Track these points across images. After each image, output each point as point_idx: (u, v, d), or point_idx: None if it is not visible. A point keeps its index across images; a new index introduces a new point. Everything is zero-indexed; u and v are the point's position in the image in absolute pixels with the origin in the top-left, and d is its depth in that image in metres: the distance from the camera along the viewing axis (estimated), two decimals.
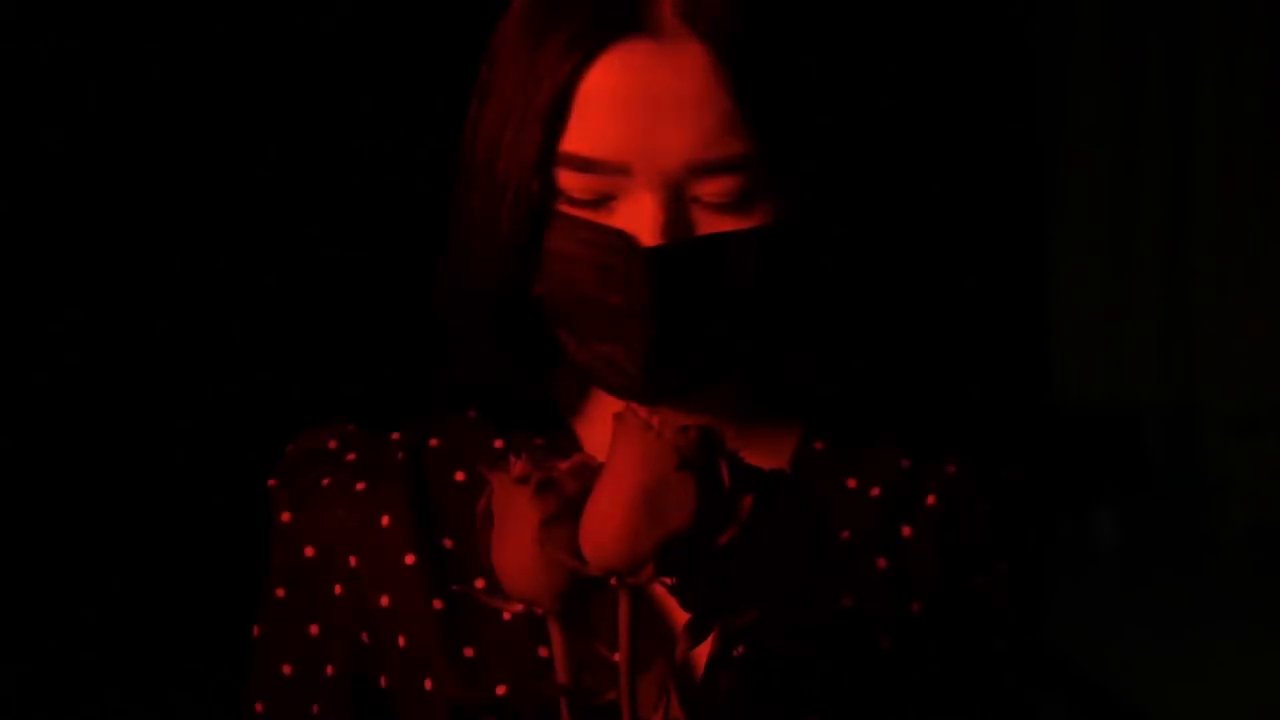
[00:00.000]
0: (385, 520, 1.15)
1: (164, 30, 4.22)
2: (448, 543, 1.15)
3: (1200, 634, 4.70)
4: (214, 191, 4.33)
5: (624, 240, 1.06)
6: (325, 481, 1.17)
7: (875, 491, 1.16)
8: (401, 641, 1.13)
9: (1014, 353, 5.08)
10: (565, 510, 0.96)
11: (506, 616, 1.10)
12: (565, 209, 1.08)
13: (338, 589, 1.16)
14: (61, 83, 4.16)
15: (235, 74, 4.29)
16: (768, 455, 1.15)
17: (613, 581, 0.95)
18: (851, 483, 1.16)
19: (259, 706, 1.18)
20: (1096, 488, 5.59)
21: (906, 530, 1.15)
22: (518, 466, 0.97)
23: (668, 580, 0.95)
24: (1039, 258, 5.34)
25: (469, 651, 1.12)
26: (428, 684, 1.12)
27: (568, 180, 1.07)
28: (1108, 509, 5.63)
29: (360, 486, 1.17)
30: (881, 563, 1.13)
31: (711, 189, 1.05)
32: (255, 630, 1.19)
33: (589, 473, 0.97)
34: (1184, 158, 5.55)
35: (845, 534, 1.14)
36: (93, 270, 4.24)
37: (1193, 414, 5.79)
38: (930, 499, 1.16)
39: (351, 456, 1.18)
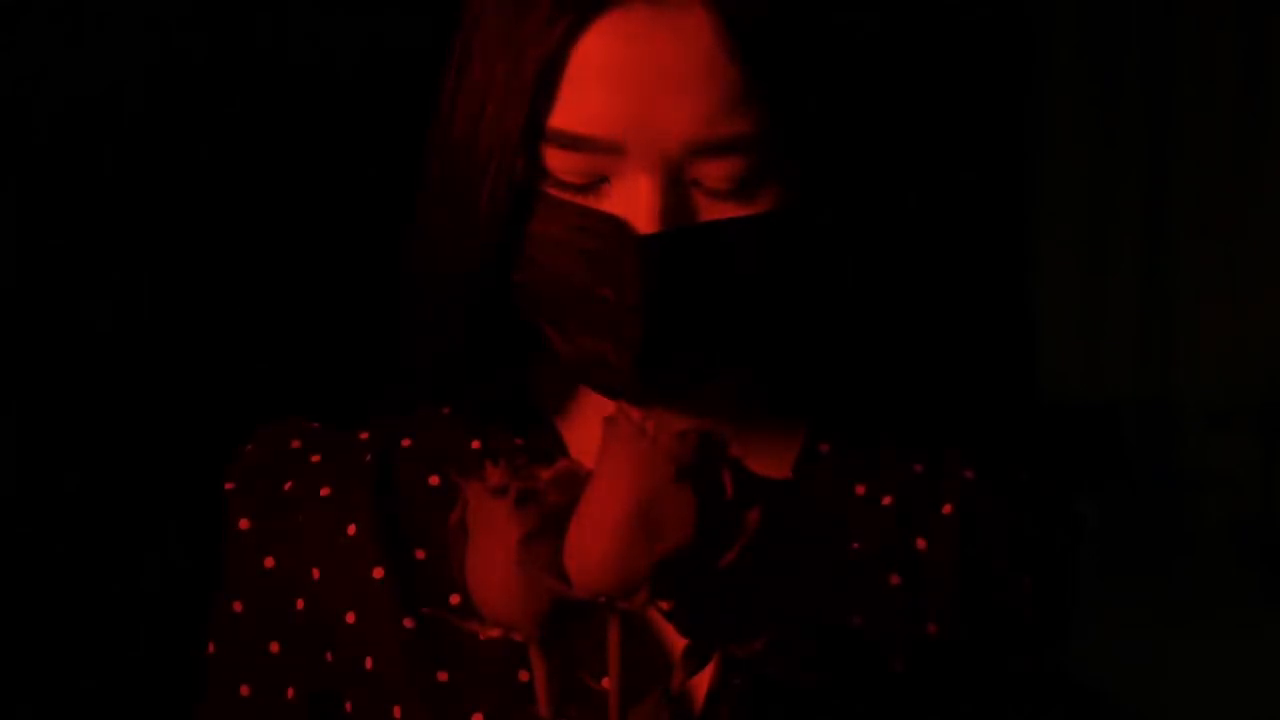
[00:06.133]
0: (351, 529, 1.06)
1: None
2: (419, 554, 1.05)
3: (1177, 624, 4.67)
4: (177, 182, 4.24)
5: (616, 227, 0.95)
6: (287, 486, 1.07)
7: (887, 500, 1.05)
8: (369, 663, 1.04)
9: (998, 346, 5.04)
10: (548, 525, 0.86)
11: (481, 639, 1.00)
12: (552, 191, 0.97)
13: (299, 603, 1.06)
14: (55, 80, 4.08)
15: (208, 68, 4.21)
16: (770, 459, 1.05)
17: (601, 602, 0.85)
18: (860, 489, 1.06)
19: None
20: (1076, 479, 5.53)
21: (921, 542, 1.05)
22: (495, 475, 0.87)
23: (663, 604, 0.85)
24: (1020, 250, 5.30)
25: (442, 676, 1.02)
26: (396, 711, 1.02)
27: (555, 159, 0.96)
28: (1086, 501, 5.57)
29: (325, 491, 1.07)
30: (894, 579, 1.03)
31: (713, 171, 0.94)
32: (210, 647, 1.09)
33: (575, 483, 0.87)
34: (1162, 153, 5.50)
35: (855, 546, 1.04)
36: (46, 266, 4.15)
37: (1171, 406, 5.75)
38: (947, 508, 1.06)
39: (316, 458, 1.08)
